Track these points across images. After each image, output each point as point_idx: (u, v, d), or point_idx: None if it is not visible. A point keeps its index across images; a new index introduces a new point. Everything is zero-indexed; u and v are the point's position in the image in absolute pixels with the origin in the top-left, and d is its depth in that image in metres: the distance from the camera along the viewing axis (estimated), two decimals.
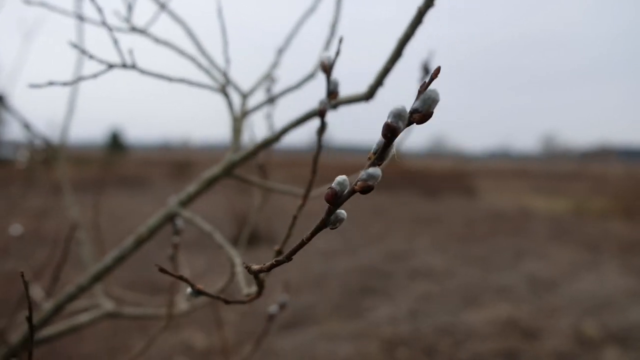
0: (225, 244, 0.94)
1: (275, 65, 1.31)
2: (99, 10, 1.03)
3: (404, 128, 0.38)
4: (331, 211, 0.42)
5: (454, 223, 10.34)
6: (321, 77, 1.11)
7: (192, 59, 1.22)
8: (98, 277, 1.08)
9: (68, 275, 1.27)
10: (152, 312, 1.40)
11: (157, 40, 1.18)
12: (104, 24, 1.04)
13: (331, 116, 1.24)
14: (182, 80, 1.09)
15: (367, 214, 11.53)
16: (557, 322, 4.49)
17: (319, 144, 0.63)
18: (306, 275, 5.98)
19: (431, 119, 0.38)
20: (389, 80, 0.90)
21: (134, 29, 1.15)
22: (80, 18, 1.18)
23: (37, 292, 1.41)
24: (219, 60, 1.19)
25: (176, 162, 22.75)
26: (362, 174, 0.39)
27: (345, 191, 0.41)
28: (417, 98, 0.38)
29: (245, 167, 1.23)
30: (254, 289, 0.71)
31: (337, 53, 0.58)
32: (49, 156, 1.66)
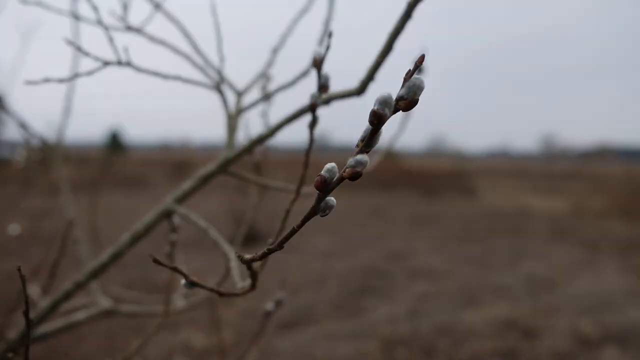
0: (220, 240, 0.94)
1: (270, 63, 1.31)
2: (94, 8, 1.04)
3: (390, 115, 0.39)
4: (321, 198, 0.42)
5: (453, 223, 10.35)
6: (315, 75, 1.12)
7: (187, 57, 1.23)
8: (95, 274, 1.08)
9: (65, 274, 1.28)
10: (149, 310, 1.41)
11: (152, 39, 1.18)
12: (99, 22, 1.05)
13: (329, 116, 1.25)
14: (177, 78, 1.10)
15: (366, 214, 11.54)
16: (555, 321, 4.49)
17: (311, 138, 0.64)
18: (305, 275, 5.98)
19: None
20: (383, 75, 0.91)
21: (129, 28, 1.15)
22: (76, 17, 1.19)
23: (34, 290, 1.41)
24: (214, 59, 1.20)
25: (175, 162, 22.72)
26: (350, 160, 0.40)
27: (335, 178, 0.41)
28: (403, 86, 0.39)
29: (242, 165, 1.24)
30: (248, 282, 0.72)
31: (328, 48, 0.59)
32: (46, 156, 1.66)
